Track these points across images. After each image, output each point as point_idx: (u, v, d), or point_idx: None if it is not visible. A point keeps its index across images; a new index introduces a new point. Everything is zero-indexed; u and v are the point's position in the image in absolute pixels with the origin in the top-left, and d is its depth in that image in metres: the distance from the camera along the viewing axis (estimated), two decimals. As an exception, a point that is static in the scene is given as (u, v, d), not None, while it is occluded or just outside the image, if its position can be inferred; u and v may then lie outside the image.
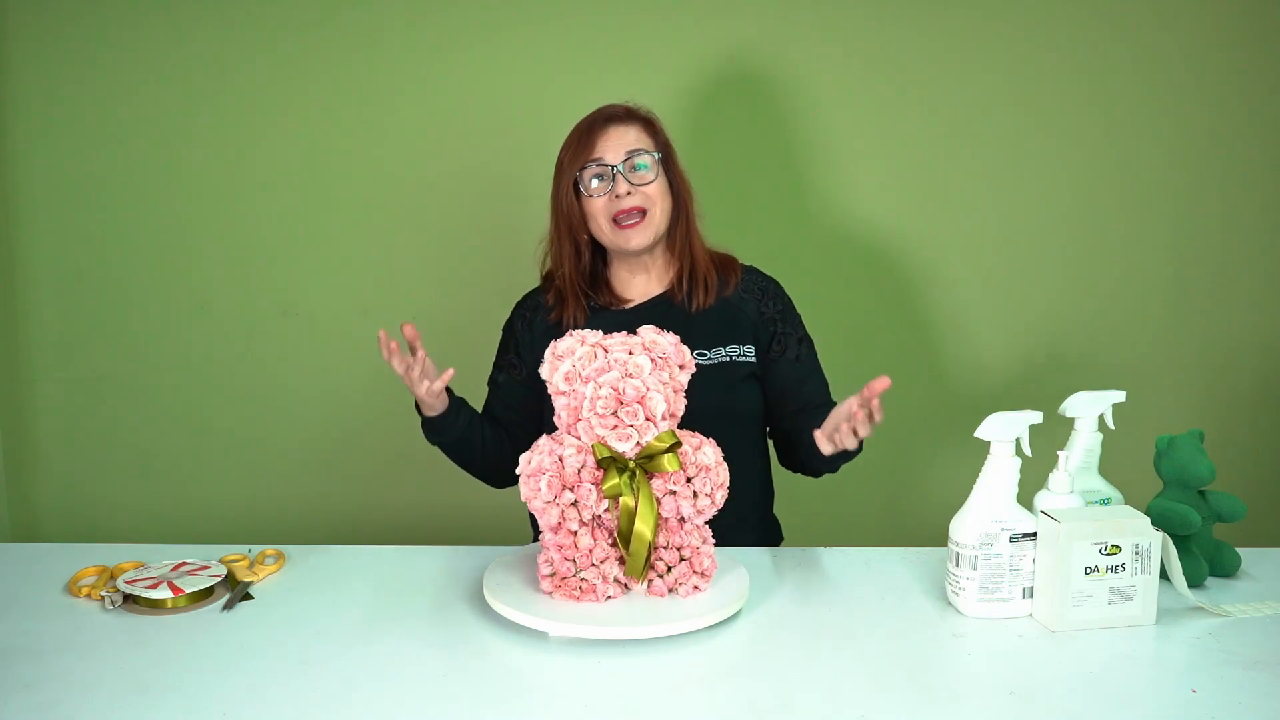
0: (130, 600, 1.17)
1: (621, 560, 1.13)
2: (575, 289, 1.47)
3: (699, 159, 1.89)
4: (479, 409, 1.54)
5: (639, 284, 1.50)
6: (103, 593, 1.17)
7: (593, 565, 1.12)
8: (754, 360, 1.46)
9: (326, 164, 2.01)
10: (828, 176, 2.03)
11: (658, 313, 1.45)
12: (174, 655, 1.05)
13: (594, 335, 1.16)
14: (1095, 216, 2.06)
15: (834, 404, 1.49)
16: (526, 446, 1.47)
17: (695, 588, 1.14)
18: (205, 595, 1.19)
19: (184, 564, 1.26)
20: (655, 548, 1.13)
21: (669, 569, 1.14)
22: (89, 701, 0.96)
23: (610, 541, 1.13)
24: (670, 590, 1.14)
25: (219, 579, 1.22)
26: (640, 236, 1.41)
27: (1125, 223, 2.06)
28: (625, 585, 1.15)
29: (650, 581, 1.14)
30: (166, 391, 2.07)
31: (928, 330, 2.08)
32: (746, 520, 1.46)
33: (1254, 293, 2.09)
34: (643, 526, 1.10)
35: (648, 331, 1.17)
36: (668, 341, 1.16)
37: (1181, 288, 2.08)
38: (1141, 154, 2.04)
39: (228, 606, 1.17)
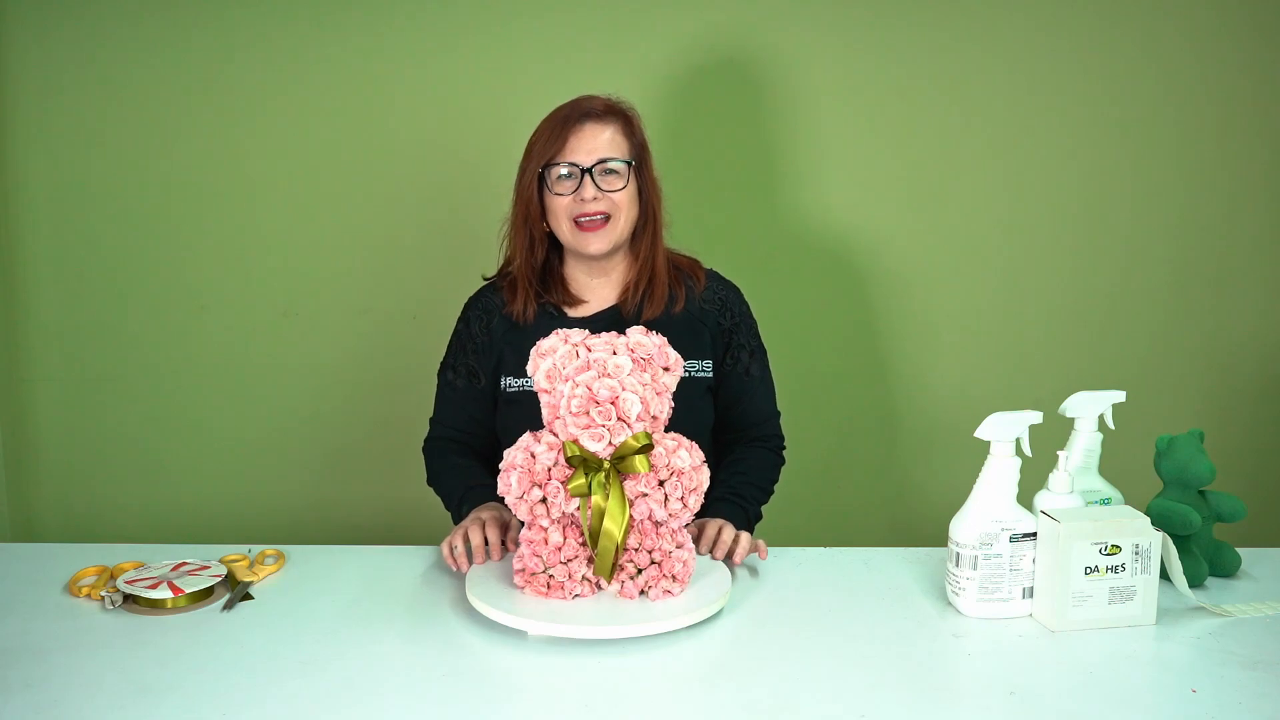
0: (130, 600, 1.17)
1: (591, 560, 1.14)
2: (527, 281, 1.44)
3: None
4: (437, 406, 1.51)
5: (596, 287, 1.46)
6: (103, 593, 1.17)
7: (561, 563, 1.13)
8: (711, 375, 1.45)
9: (326, 164, 2.01)
10: (825, 176, 2.03)
11: (613, 323, 1.41)
12: (174, 655, 1.05)
13: (578, 334, 1.16)
14: (1096, 217, 2.05)
15: (777, 415, 1.53)
16: (488, 454, 1.43)
17: (667, 592, 1.13)
18: (205, 595, 1.19)
19: (184, 564, 1.26)
20: (626, 549, 1.13)
21: (639, 571, 1.14)
22: (89, 701, 0.96)
23: (581, 540, 1.14)
24: (641, 592, 1.14)
25: (219, 579, 1.22)
26: (600, 242, 1.38)
27: (1126, 222, 2.06)
28: (597, 585, 1.15)
29: (622, 583, 1.14)
30: (166, 391, 2.07)
31: (928, 330, 2.08)
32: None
33: (1254, 293, 2.09)
34: (612, 526, 1.10)
35: (635, 332, 1.16)
36: (653, 342, 1.16)
37: (1182, 288, 2.08)
38: (1142, 153, 2.04)
39: (228, 606, 1.17)
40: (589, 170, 1.35)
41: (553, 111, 1.41)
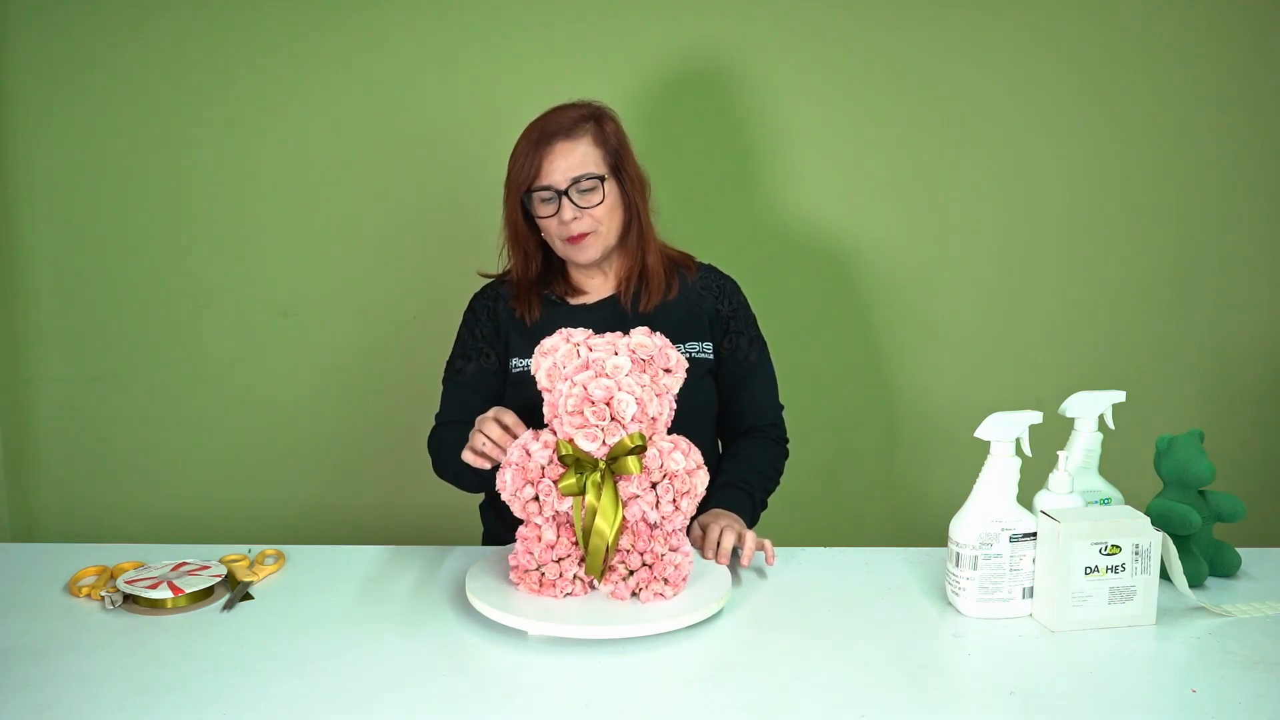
0: (130, 600, 1.17)
1: (583, 559, 1.14)
2: (527, 286, 1.48)
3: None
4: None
5: (595, 281, 1.50)
6: (103, 593, 1.17)
7: (553, 561, 1.13)
8: (711, 357, 1.47)
9: (326, 164, 2.01)
10: (827, 177, 2.03)
11: (612, 311, 1.46)
12: (174, 655, 1.05)
13: (580, 334, 1.16)
14: (1095, 216, 2.06)
15: (780, 409, 1.53)
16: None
17: (658, 595, 1.13)
18: (205, 595, 1.19)
19: (184, 564, 1.26)
20: (619, 550, 1.13)
21: (630, 573, 1.14)
22: (89, 701, 0.96)
23: (574, 539, 1.14)
24: (633, 594, 1.14)
25: (219, 579, 1.22)
26: (588, 253, 1.41)
27: (1126, 222, 2.06)
28: (590, 585, 1.15)
29: (614, 584, 1.14)
30: (166, 391, 2.07)
31: (928, 330, 2.08)
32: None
33: (1254, 293, 2.09)
34: (603, 525, 1.10)
35: (638, 333, 1.16)
36: (654, 344, 1.15)
37: (1182, 288, 2.08)
38: (1142, 153, 2.04)
39: (228, 606, 1.17)
40: (565, 192, 1.37)
41: (526, 129, 1.42)
